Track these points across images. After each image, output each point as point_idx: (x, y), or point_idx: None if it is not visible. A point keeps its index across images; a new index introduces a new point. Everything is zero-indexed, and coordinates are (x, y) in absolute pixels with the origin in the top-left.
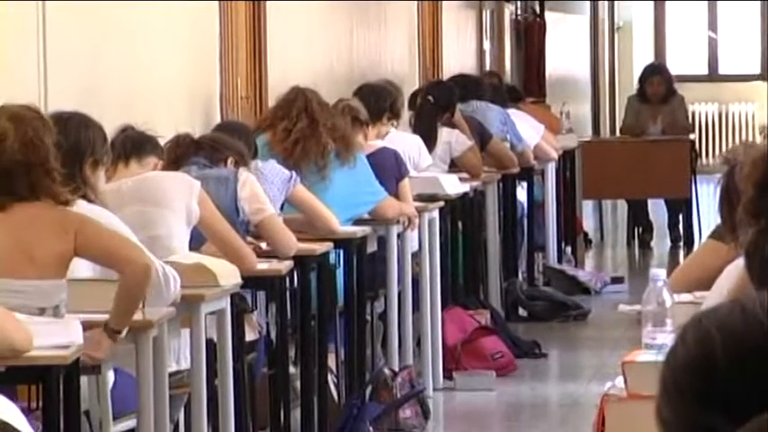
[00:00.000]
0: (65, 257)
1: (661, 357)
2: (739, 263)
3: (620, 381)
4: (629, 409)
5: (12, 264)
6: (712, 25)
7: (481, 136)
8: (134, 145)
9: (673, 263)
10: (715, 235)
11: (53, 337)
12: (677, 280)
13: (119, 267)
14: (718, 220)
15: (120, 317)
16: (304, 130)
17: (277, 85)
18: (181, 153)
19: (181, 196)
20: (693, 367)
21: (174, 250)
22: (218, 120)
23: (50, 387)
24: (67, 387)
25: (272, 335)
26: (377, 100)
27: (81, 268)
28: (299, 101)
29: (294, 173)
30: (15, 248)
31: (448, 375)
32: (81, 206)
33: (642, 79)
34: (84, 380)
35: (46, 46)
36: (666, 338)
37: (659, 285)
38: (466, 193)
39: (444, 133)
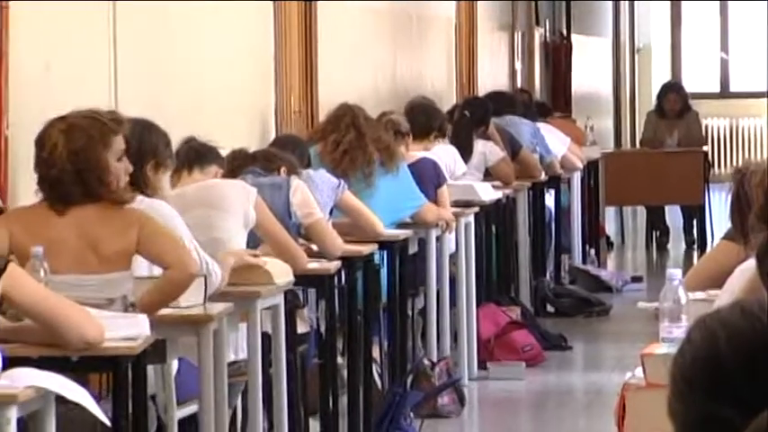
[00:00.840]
0: (127, 253)
1: (676, 350)
2: (750, 263)
3: (639, 371)
4: (648, 397)
5: (78, 260)
6: (724, 47)
7: (512, 147)
8: (197, 154)
9: (687, 264)
10: (727, 237)
11: (122, 329)
12: (692, 279)
13: (166, 267)
14: (730, 225)
15: (149, 306)
16: (352, 142)
17: (327, 101)
18: (238, 164)
19: (239, 202)
20: (700, 362)
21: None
22: (272, 131)
23: (120, 375)
24: (135, 375)
25: (322, 328)
26: (428, 119)
27: (140, 267)
28: (348, 116)
29: (342, 181)
30: (81, 246)
31: (482, 366)
32: (142, 201)
33: (660, 96)
34: (150, 368)
35: (117, 59)
36: (682, 333)
37: (675, 284)
38: (499, 200)
39: (479, 145)
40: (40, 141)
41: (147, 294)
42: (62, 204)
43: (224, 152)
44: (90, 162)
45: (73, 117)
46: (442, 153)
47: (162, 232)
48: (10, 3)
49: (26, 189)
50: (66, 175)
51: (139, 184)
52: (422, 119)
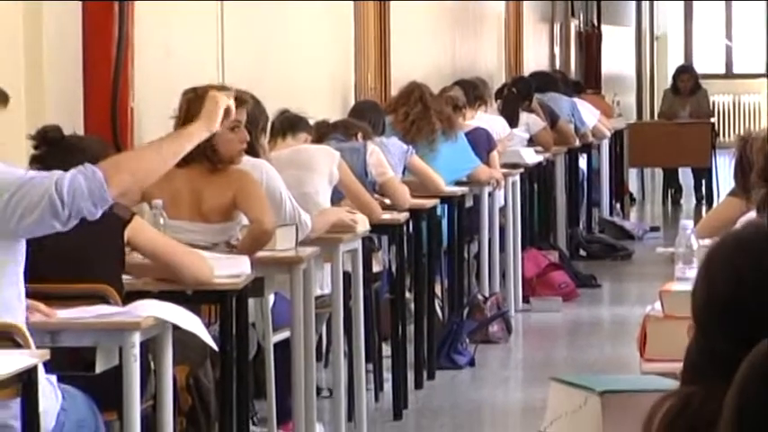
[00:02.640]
0: (227, 207)
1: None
2: (750, 215)
3: (658, 305)
4: (665, 327)
5: (190, 209)
6: (728, 35)
7: (552, 118)
8: (290, 123)
9: (697, 216)
10: (731, 194)
11: (228, 269)
12: (701, 229)
13: (252, 223)
14: (733, 184)
15: (244, 250)
16: (418, 114)
17: (398, 79)
18: (323, 131)
19: (325, 162)
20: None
21: (319, 204)
22: (352, 104)
23: (226, 307)
24: (238, 306)
25: (393, 268)
26: (473, 91)
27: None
28: (415, 92)
29: (410, 146)
30: (191, 198)
31: (526, 300)
32: (248, 162)
33: (674, 76)
34: (250, 300)
35: (224, 44)
36: (694, 273)
37: (688, 233)
38: (540, 163)
39: (524, 116)
40: (179, 107)
41: (242, 241)
42: (181, 161)
43: (312, 121)
44: None
45: (199, 89)
46: (494, 123)
47: (252, 193)
48: None
49: None
50: None
51: (253, 148)
52: (469, 91)
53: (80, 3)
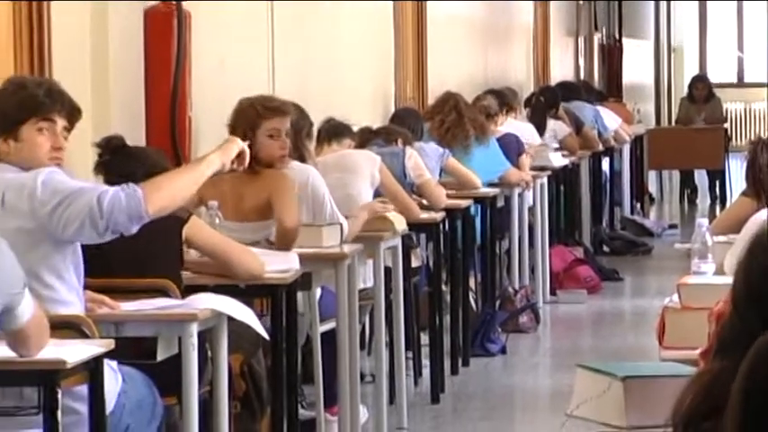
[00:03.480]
0: (263, 208)
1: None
2: (761, 214)
3: (675, 297)
4: (683, 317)
5: (234, 210)
6: (740, 47)
7: (577, 125)
8: (335, 131)
9: (711, 215)
10: (743, 194)
11: (278, 264)
12: (716, 226)
13: (276, 222)
14: (745, 184)
15: (280, 246)
16: (453, 121)
17: (434, 88)
18: (366, 137)
19: (367, 166)
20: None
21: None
22: (392, 112)
23: (276, 299)
24: (288, 299)
25: (430, 263)
26: (503, 99)
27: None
28: (450, 101)
29: (446, 150)
30: (235, 200)
31: (553, 293)
32: (294, 167)
33: (690, 85)
34: (299, 294)
35: (274, 56)
36: (709, 268)
37: (703, 230)
38: (566, 166)
39: (551, 123)
40: (233, 114)
41: (275, 239)
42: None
43: (355, 128)
44: (241, 136)
45: (241, 103)
46: (524, 129)
47: (283, 194)
48: (191, 10)
49: None
50: None
51: (301, 150)
52: (497, 99)
53: (142, 23)
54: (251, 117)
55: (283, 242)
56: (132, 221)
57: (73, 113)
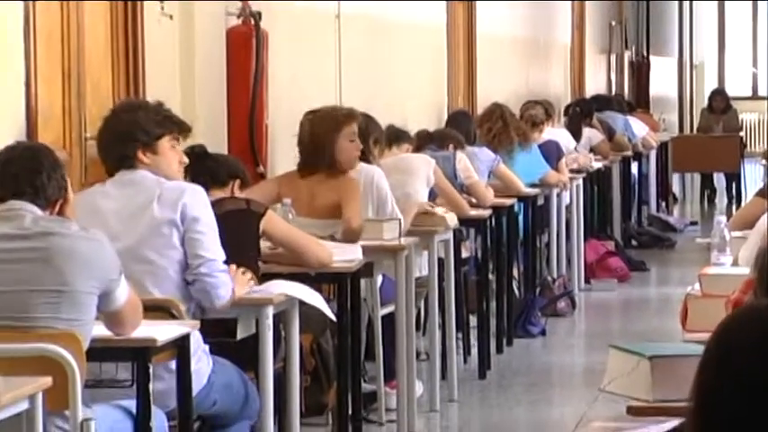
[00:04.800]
0: (334, 207)
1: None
2: None
3: (697, 286)
4: (703, 304)
5: (308, 208)
6: (754, 64)
7: (609, 132)
8: (395, 136)
9: (729, 213)
10: (757, 194)
11: (345, 255)
12: (733, 223)
13: (346, 225)
14: (758, 186)
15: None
16: (499, 129)
17: (482, 100)
18: (422, 141)
19: (423, 169)
20: None
21: (417, 203)
22: (444, 120)
23: (342, 286)
24: (352, 285)
25: (478, 255)
26: (545, 110)
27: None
28: (497, 111)
29: (497, 156)
30: (309, 199)
31: (587, 281)
32: (363, 168)
33: (710, 98)
34: (362, 281)
35: (341, 70)
36: (727, 260)
37: (721, 226)
38: (599, 169)
39: (586, 131)
40: (300, 126)
41: (342, 236)
42: (305, 169)
43: (412, 131)
44: (324, 141)
45: (319, 110)
46: (562, 136)
47: (351, 197)
48: (268, 30)
49: (281, 161)
50: (307, 149)
51: (367, 155)
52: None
53: (224, 42)
54: (334, 124)
55: (348, 240)
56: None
57: (187, 133)
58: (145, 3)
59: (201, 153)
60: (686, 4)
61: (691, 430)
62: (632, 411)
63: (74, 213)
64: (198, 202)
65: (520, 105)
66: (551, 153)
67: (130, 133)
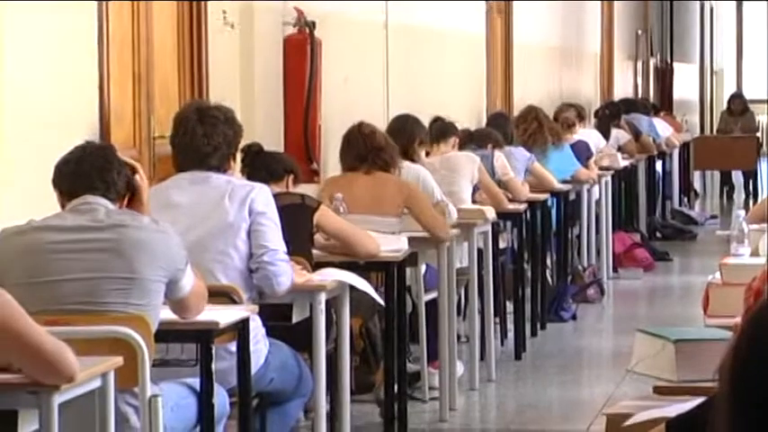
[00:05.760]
0: (399, 207)
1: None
2: None
3: (717, 275)
4: (723, 291)
5: (370, 206)
6: None
7: (635, 133)
8: (441, 131)
9: (746, 207)
10: None
11: (391, 245)
12: (750, 217)
13: (422, 225)
14: None
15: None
16: (534, 129)
17: (519, 102)
18: (464, 140)
19: (468, 167)
20: None
21: (462, 200)
22: (484, 122)
23: (389, 274)
24: (398, 273)
25: (515, 246)
26: (577, 112)
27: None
28: (532, 113)
29: (532, 155)
30: (364, 196)
31: (615, 270)
32: (408, 167)
33: (729, 101)
34: (408, 269)
35: (388, 74)
36: (745, 251)
37: (740, 220)
38: (626, 166)
39: (614, 132)
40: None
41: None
42: (361, 165)
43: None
44: (389, 143)
45: (362, 126)
46: (591, 136)
47: (421, 200)
48: (321, 37)
49: (333, 159)
50: (363, 150)
51: (412, 156)
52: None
53: (281, 48)
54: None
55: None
56: (266, 286)
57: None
58: (209, 13)
59: (258, 150)
60: (707, 15)
61: (722, 414)
62: (658, 391)
63: (149, 206)
64: (264, 198)
65: (553, 108)
66: (582, 152)
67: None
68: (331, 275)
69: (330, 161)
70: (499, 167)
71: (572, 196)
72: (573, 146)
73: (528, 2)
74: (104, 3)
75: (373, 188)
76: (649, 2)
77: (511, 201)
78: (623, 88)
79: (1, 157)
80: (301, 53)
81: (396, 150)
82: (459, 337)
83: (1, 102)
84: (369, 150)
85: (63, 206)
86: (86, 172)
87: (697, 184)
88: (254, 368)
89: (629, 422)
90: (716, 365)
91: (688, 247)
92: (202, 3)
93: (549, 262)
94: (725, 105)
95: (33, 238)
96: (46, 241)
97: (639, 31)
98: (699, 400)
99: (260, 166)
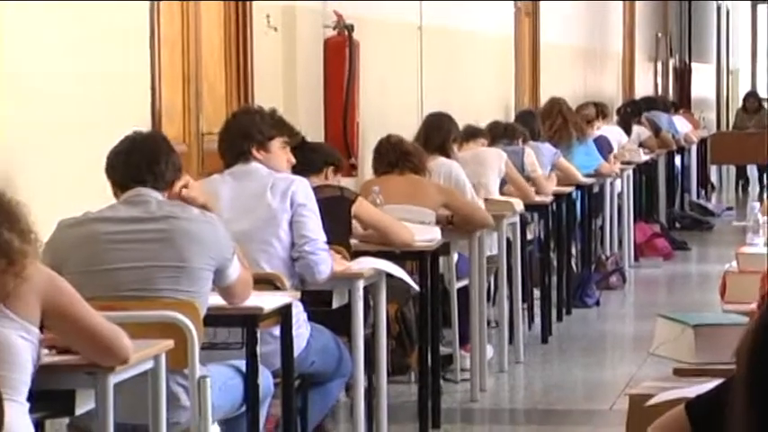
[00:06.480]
0: (437, 205)
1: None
2: None
3: (734, 263)
4: (740, 279)
5: (405, 198)
6: None
7: (655, 130)
8: (471, 132)
9: (761, 200)
10: None
11: (425, 235)
12: (765, 208)
13: (460, 218)
14: None
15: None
16: (560, 125)
17: (545, 101)
18: (495, 133)
19: (495, 161)
20: None
21: (490, 192)
22: (513, 117)
23: (423, 262)
24: (432, 262)
25: (541, 236)
26: (599, 109)
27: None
28: (555, 107)
29: (558, 150)
30: (407, 191)
31: (636, 259)
32: (443, 163)
33: (744, 99)
34: (441, 258)
35: (422, 77)
36: (760, 240)
37: (755, 211)
38: (647, 161)
39: (635, 128)
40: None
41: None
42: (393, 169)
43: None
44: (405, 148)
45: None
46: (613, 132)
47: (458, 196)
48: (359, 40)
49: (370, 154)
50: (393, 156)
51: (446, 151)
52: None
53: (322, 50)
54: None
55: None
56: (307, 274)
57: (296, 138)
58: (253, 16)
59: (300, 143)
60: (723, 17)
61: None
62: (678, 373)
63: (203, 195)
64: (304, 191)
65: (577, 106)
66: (604, 147)
67: (248, 133)
68: (368, 264)
69: (368, 157)
70: (528, 164)
71: (595, 189)
72: (596, 141)
73: (554, 2)
74: (156, 3)
75: (408, 185)
76: (669, 2)
77: (537, 194)
78: (644, 87)
79: (58, 150)
80: (340, 54)
81: (424, 155)
82: (489, 322)
83: (58, 98)
84: (398, 155)
85: (116, 195)
86: (136, 164)
87: (714, 178)
88: (296, 351)
89: (650, 402)
90: (733, 349)
91: (705, 237)
92: (247, 3)
93: (573, 251)
94: (740, 103)
95: (90, 229)
96: (101, 232)
97: (659, 34)
98: (717, 382)
99: (300, 158)
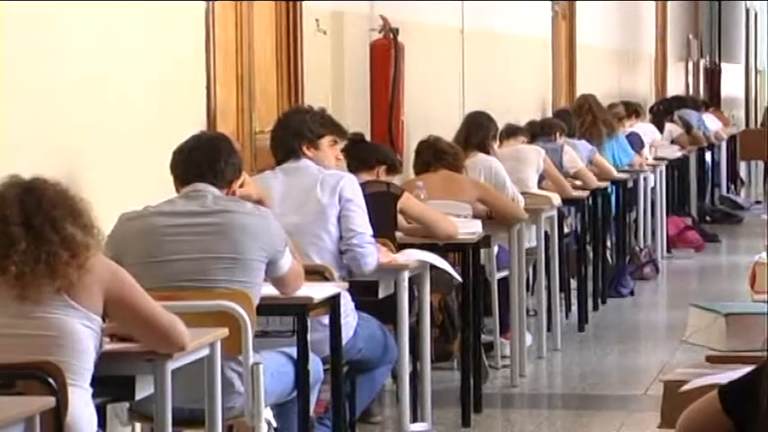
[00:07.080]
0: (473, 198)
1: None
2: None
3: (763, 254)
4: None
5: (444, 193)
6: None
7: (687, 127)
8: (512, 131)
9: None
10: None
11: (467, 228)
12: None
13: (497, 215)
14: None
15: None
16: (590, 123)
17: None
18: (534, 131)
19: (534, 158)
20: None
21: (528, 186)
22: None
23: (465, 253)
24: (474, 253)
25: (578, 229)
26: (631, 107)
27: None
28: (585, 104)
29: (594, 148)
30: (445, 187)
31: (669, 251)
32: (484, 158)
33: None
34: (482, 250)
35: (464, 77)
36: None
37: None
38: (679, 157)
39: (667, 126)
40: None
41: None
42: (429, 167)
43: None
44: (441, 147)
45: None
46: (646, 129)
47: (495, 195)
48: (404, 42)
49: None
50: (430, 155)
51: (486, 149)
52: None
53: (368, 52)
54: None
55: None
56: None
57: (344, 136)
58: (303, 20)
59: (358, 140)
60: (752, 18)
61: None
62: (710, 360)
63: (259, 191)
64: (351, 186)
65: (607, 105)
66: (636, 143)
67: (298, 131)
68: (413, 255)
69: (412, 155)
70: (568, 161)
71: (630, 184)
72: (629, 137)
73: (590, 4)
74: (211, 3)
75: (443, 181)
76: (699, 2)
77: (581, 188)
78: (675, 87)
79: (118, 150)
80: (386, 57)
81: (460, 154)
82: (528, 311)
83: (118, 100)
84: (433, 154)
85: (178, 190)
86: (197, 161)
87: (743, 173)
88: (344, 339)
89: (685, 387)
90: (763, 337)
91: (735, 230)
92: (298, 3)
93: (608, 243)
94: None
95: (149, 222)
96: (160, 225)
97: (690, 36)
98: (748, 369)
99: (355, 154)
